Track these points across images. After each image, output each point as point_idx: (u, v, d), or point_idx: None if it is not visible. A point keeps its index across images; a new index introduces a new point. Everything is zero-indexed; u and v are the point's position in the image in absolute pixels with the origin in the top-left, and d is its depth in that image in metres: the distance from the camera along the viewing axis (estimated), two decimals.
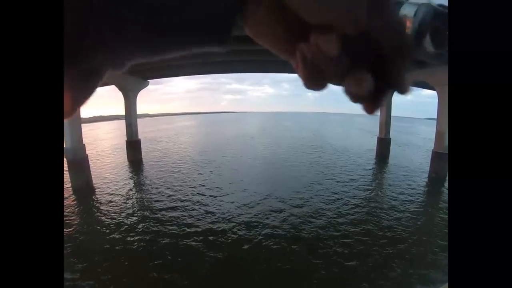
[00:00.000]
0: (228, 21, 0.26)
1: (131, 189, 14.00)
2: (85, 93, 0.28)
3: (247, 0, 0.26)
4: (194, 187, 14.10)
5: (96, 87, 0.29)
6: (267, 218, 10.13)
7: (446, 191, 14.16)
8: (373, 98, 0.27)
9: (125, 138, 21.80)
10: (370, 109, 0.29)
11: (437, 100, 16.47)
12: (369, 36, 0.25)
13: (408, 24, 0.40)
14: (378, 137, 23.34)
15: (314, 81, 0.26)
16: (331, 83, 0.27)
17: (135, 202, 12.05)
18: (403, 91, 0.28)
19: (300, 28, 0.25)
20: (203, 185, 14.48)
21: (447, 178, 15.78)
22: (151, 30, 0.25)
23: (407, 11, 0.39)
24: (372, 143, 25.58)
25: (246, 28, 0.29)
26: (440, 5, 0.37)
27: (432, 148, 16.99)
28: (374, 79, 0.25)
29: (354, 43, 0.25)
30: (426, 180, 16.30)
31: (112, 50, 0.25)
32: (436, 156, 16.65)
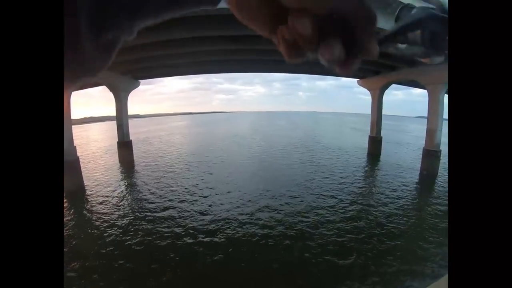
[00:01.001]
0: None
1: (123, 191, 13.84)
2: (108, 59, 0.32)
3: None
4: (187, 188, 14.02)
5: (115, 52, 0.33)
6: (261, 219, 10.12)
7: (436, 187, 14.36)
8: (346, 62, 0.31)
9: (117, 139, 21.59)
10: (343, 70, 0.32)
11: (427, 99, 16.68)
12: (335, 11, 0.29)
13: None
14: (369, 136, 23.52)
15: (294, 55, 0.32)
16: (308, 54, 0.32)
17: (128, 204, 11.93)
18: (371, 55, 0.32)
19: (279, 10, 0.30)
20: (196, 186, 14.41)
21: (437, 175, 16.02)
22: None
23: (416, 16, 0.40)
24: (363, 142, 25.75)
25: (232, 9, 0.34)
26: (444, 11, 0.38)
27: (423, 146, 17.19)
28: (343, 45, 0.30)
29: (324, 20, 0.29)
30: (418, 177, 16.48)
31: (123, 17, 0.29)
32: (427, 153, 16.86)
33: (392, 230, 9.30)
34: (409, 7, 0.42)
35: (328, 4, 0.29)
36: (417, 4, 0.42)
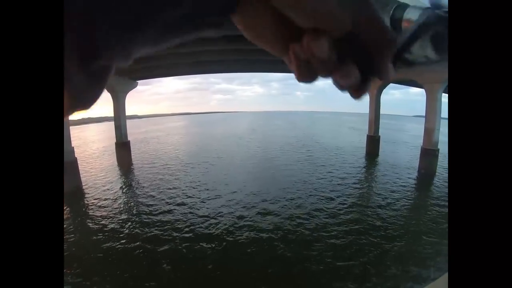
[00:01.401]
0: (226, 4, 0.28)
1: (121, 193, 13.82)
2: (99, 90, 0.30)
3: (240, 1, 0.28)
4: (185, 189, 14.01)
5: (107, 82, 0.30)
6: (261, 221, 10.12)
7: (435, 186, 14.40)
8: (359, 86, 0.30)
9: (115, 140, 21.53)
10: (356, 95, 0.32)
11: (425, 98, 16.72)
12: (354, 35, 0.28)
13: (407, 25, 0.41)
14: (367, 135, 23.56)
15: (306, 76, 0.30)
16: (321, 76, 0.30)
17: (126, 206, 11.91)
18: (387, 79, 0.31)
19: (292, 30, 0.28)
20: (194, 187, 14.40)
21: (435, 174, 16.07)
22: (150, 21, 0.26)
23: (410, 14, 0.39)
24: (361, 141, 25.78)
25: (240, 27, 0.32)
26: (445, 11, 0.38)
27: (421, 145, 17.24)
28: (359, 69, 0.29)
29: (341, 42, 0.28)
30: (416, 176, 16.53)
31: (118, 44, 0.26)
32: (424, 152, 16.91)
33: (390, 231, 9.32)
34: (402, 6, 0.41)
35: (347, 26, 0.27)
36: (411, 3, 0.41)
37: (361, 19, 0.28)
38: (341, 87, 0.30)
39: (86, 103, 0.29)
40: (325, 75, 0.30)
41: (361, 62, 0.29)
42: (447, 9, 0.37)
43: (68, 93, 0.26)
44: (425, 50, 0.38)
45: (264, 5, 0.28)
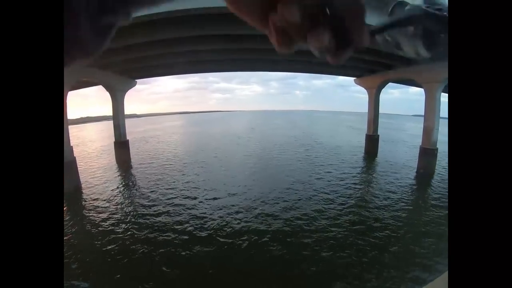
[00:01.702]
0: None
1: (120, 192, 13.80)
2: (103, 42, 0.32)
3: None
4: (184, 189, 14.00)
5: (110, 36, 0.33)
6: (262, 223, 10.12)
7: (433, 186, 14.42)
8: (335, 51, 0.32)
9: (113, 139, 21.50)
10: (334, 60, 0.33)
11: (424, 97, 16.73)
12: (325, 2, 0.30)
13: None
14: (366, 134, 23.58)
15: (284, 44, 0.32)
16: (297, 42, 0.32)
17: (126, 206, 11.89)
18: (362, 43, 0.32)
19: (270, 1, 0.31)
20: (193, 187, 14.39)
21: (434, 173, 16.10)
22: None
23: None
24: (360, 140, 25.80)
25: (226, 3, 0.34)
26: (437, 8, 0.38)
27: (420, 144, 17.26)
28: (333, 34, 0.30)
29: (313, 9, 0.30)
30: (414, 175, 16.55)
31: (119, 2, 0.30)
32: (423, 152, 16.93)
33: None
34: (403, 4, 0.42)
35: None
36: (411, 2, 0.42)
37: None
38: (318, 51, 0.31)
39: (89, 53, 0.32)
40: (301, 40, 0.32)
41: (334, 28, 0.30)
42: (440, 7, 0.37)
43: (75, 43, 0.28)
44: (416, 47, 0.39)
45: None
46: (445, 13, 0.38)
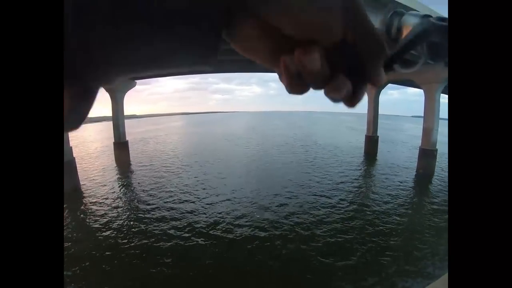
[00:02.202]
0: (215, 40, 0.27)
1: (119, 193, 13.79)
2: (86, 110, 0.30)
3: (233, 18, 0.27)
4: (184, 190, 13.99)
5: (93, 103, 0.30)
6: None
7: (432, 186, 14.44)
8: (352, 95, 0.30)
9: (113, 140, 21.49)
10: (350, 105, 0.31)
11: (423, 98, 16.76)
12: (346, 44, 0.28)
13: (405, 32, 0.40)
14: (366, 135, 23.59)
15: (297, 89, 0.30)
16: (313, 88, 0.30)
17: (125, 206, 11.88)
18: (378, 84, 0.31)
19: (284, 41, 0.28)
20: (192, 187, 14.39)
21: (433, 174, 16.11)
22: (138, 52, 0.26)
23: (407, 22, 0.39)
24: (359, 141, 25.82)
25: (232, 43, 0.31)
26: (440, 19, 0.38)
27: (419, 145, 17.27)
28: (350, 79, 0.29)
29: (332, 53, 0.28)
30: (414, 176, 16.56)
31: (104, 68, 0.26)
32: (423, 153, 16.95)
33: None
34: (399, 13, 0.41)
35: (339, 35, 0.27)
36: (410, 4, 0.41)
37: (353, 28, 0.27)
38: (334, 100, 0.30)
39: (74, 123, 0.29)
40: (317, 87, 0.29)
41: (352, 71, 0.29)
42: (444, 18, 0.37)
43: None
44: (420, 56, 0.38)
45: (254, 17, 0.27)
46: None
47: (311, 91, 0.29)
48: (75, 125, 0.30)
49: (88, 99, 0.29)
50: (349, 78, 0.29)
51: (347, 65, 0.29)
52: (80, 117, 0.30)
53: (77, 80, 0.26)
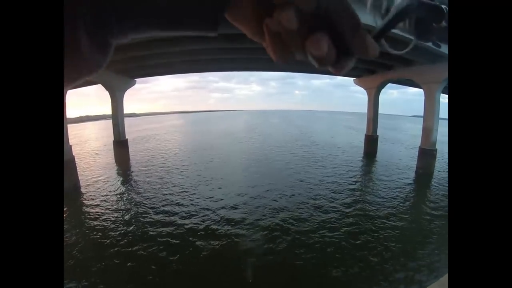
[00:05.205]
0: (219, 7, 0.32)
1: (119, 191, 13.77)
2: (104, 59, 0.33)
3: None
4: (183, 188, 13.98)
5: (109, 54, 0.34)
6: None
7: (432, 186, 14.44)
8: (337, 61, 0.30)
9: (112, 138, 21.47)
10: (336, 70, 0.32)
11: (423, 98, 16.74)
12: (323, 12, 0.29)
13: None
14: (365, 135, 23.57)
15: (280, 52, 0.31)
16: (296, 52, 0.31)
17: (125, 205, 11.86)
18: (370, 54, 0.31)
19: (266, 6, 0.30)
20: (192, 185, 14.38)
21: (433, 174, 16.11)
22: (149, 10, 0.31)
23: (395, 2, 0.40)
24: (359, 140, 25.79)
25: (227, 16, 0.34)
26: None
27: (419, 145, 17.25)
28: (332, 43, 0.29)
29: (311, 17, 0.29)
30: (414, 175, 16.55)
31: (119, 25, 0.31)
32: (422, 152, 16.92)
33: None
34: None
35: (313, 3, 0.28)
36: None
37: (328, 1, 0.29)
38: (319, 61, 0.30)
39: (92, 68, 0.32)
40: (298, 49, 0.30)
41: (333, 38, 0.29)
42: None
43: (77, 61, 0.29)
44: (406, 32, 0.39)
45: None
46: (437, 3, 0.38)
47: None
48: (93, 70, 0.33)
49: (103, 52, 0.32)
50: (331, 41, 0.29)
51: (327, 31, 0.29)
52: (98, 64, 0.33)
53: (94, 35, 0.29)
